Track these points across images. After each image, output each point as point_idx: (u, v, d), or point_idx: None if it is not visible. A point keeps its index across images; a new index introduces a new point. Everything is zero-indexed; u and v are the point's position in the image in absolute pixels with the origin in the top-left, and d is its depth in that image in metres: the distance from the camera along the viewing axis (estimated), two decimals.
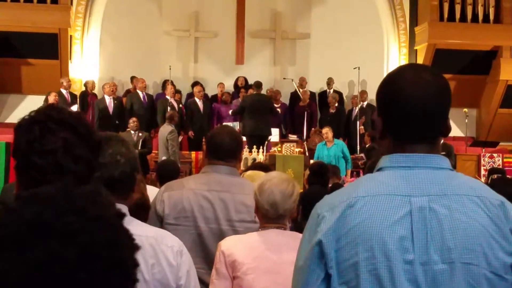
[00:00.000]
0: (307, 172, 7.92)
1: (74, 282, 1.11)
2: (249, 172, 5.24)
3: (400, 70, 2.00)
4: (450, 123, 1.96)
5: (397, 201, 1.81)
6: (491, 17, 16.82)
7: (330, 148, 13.01)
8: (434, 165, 1.88)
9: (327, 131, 13.21)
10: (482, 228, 1.78)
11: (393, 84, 1.93)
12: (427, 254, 1.75)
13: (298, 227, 5.78)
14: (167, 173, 6.99)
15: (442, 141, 2.02)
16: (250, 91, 15.75)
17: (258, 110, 13.37)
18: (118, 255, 1.17)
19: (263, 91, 15.03)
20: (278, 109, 15.72)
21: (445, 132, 1.94)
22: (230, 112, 15.10)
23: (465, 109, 15.44)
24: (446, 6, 16.76)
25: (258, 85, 14.25)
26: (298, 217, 6.40)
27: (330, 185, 7.81)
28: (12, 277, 1.10)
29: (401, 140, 1.91)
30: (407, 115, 1.88)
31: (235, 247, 3.21)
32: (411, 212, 1.79)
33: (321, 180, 7.40)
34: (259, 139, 13.34)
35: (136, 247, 1.23)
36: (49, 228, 1.13)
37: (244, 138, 12.20)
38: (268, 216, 3.29)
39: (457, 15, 16.78)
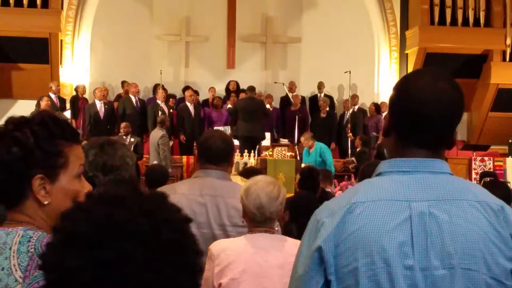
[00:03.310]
0: (299, 176, 7.92)
1: (141, 282, 1.15)
2: None
3: (419, 74, 1.99)
4: None
5: (397, 206, 1.79)
6: (482, 21, 16.87)
7: (311, 153, 12.98)
8: (433, 169, 1.87)
9: (303, 140, 13.20)
10: (482, 233, 1.77)
11: (408, 86, 1.91)
12: (427, 260, 1.74)
13: (287, 230, 5.77)
14: (156, 177, 6.99)
15: None
16: (242, 95, 15.72)
17: (251, 113, 13.36)
18: (185, 258, 1.21)
19: None
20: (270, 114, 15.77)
21: (450, 145, 1.93)
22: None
23: None
24: (436, 10, 16.80)
25: (252, 89, 14.26)
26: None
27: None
28: (83, 275, 1.13)
29: (404, 142, 1.90)
30: (415, 119, 1.87)
31: (224, 251, 3.21)
32: (410, 217, 1.78)
33: (311, 184, 7.40)
34: (252, 142, 13.31)
35: (201, 252, 1.26)
36: (120, 229, 1.16)
37: (236, 142, 12.21)
38: (255, 219, 3.29)
39: (448, 19, 16.82)
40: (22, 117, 1.90)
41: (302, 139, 13.31)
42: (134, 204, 1.21)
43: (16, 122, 1.87)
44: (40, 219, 1.88)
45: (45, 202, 1.86)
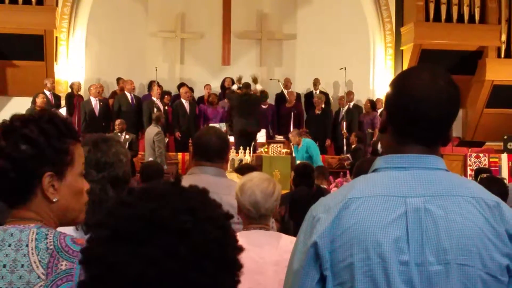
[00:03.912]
0: (293, 173, 7.93)
1: (185, 279, 1.16)
2: None
3: (416, 71, 1.97)
4: None
5: (392, 202, 1.79)
6: (477, 17, 16.88)
7: (299, 150, 13.00)
8: (429, 165, 1.87)
9: (290, 137, 13.23)
10: (478, 229, 1.77)
11: (405, 83, 1.90)
12: (422, 255, 1.74)
13: (284, 227, 5.78)
14: (151, 174, 6.98)
15: None
16: (234, 87, 15.57)
17: (247, 108, 13.36)
18: (226, 255, 1.23)
19: None
20: (266, 110, 15.80)
21: (444, 142, 1.92)
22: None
23: None
24: (431, 6, 16.80)
25: (247, 86, 14.26)
26: (285, 217, 6.41)
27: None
28: (127, 271, 1.14)
29: (400, 138, 1.90)
30: (412, 117, 1.86)
31: None
32: (406, 213, 1.78)
33: (306, 181, 7.41)
34: (248, 136, 13.29)
35: (240, 249, 1.27)
36: (164, 225, 1.17)
37: (232, 139, 12.21)
38: (250, 216, 3.29)
39: (443, 16, 16.83)
40: (28, 115, 1.90)
41: (289, 136, 13.34)
42: (177, 201, 1.22)
43: (22, 119, 1.86)
44: (47, 216, 1.88)
45: (54, 200, 1.87)
